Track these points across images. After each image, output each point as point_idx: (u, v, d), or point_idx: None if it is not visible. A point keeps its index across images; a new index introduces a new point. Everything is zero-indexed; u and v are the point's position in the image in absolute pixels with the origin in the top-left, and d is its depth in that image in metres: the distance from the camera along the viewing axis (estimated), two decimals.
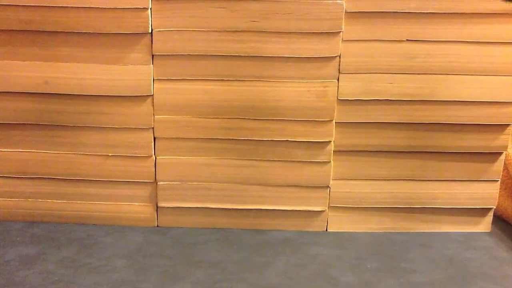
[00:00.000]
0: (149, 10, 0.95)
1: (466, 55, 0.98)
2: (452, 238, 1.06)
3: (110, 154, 1.03)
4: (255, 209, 1.06)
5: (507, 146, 1.04)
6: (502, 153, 1.04)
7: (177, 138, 1.03)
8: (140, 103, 1.01)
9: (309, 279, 0.90)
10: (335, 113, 1.01)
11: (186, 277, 0.89)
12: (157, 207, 1.07)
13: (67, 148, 1.03)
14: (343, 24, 0.96)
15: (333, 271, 0.92)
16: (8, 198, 1.07)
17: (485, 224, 1.09)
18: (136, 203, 1.07)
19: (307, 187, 1.05)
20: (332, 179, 1.05)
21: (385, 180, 1.05)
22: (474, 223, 1.09)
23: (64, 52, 0.98)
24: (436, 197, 1.06)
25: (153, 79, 0.99)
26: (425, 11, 0.95)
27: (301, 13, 0.95)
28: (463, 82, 0.99)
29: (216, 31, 0.96)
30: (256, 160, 1.04)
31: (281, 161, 1.04)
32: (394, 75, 0.99)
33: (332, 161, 1.04)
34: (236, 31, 0.96)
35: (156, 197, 1.06)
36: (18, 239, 1.01)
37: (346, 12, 0.95)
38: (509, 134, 1.03)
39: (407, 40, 0.97)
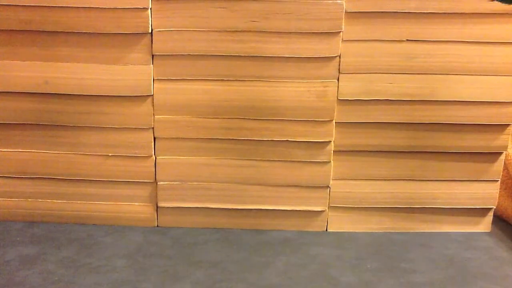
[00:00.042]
0: (149, 10, 0.95)
1: (466, 55, 0.98)
2: (452, 238, 1.06)
3: (110, 154, 1.03)
4: (255, 209, 1.06)
5: (507, 146, 1.04)
6: (502, 153, 1.04)
7: (177, 138, 1.03)
8: (140, 103, 1.01)
9: (309, 279, 0.90)
10: (335, 113, 1.01)
11: (186, 277, 0.89)
12: (157, 207, 1.07)
13: (67, 148, 1.03)
14: (343, 24, 0.96)
15: (333, 271, 0.92)
16: (8, 198, 1.07)
17: (485, 224, 1.09)
18: (136, 203, 1.07)
19: (307, 187, 1.05)
20: (332, 179, 1.05)
21: (385, 180, 1.05)
22: (474, 223, 1.09)
23: (64, 52, 0.98)
24: (436, 197, 1.06)
25: (153, 79, 0.99)
26: (425, 11, 0.95)
27: (301, 13, 0.95)
28: (463, 82, 0.99)
29: (216, 31, 0.96)
30: (256, 160, 1.04)
31: (281, 161, 1.04)
32: (394, 75, 0.99)
33: (332, 161, 1.04)
34: (236, 31, 0.96)
35: (156, 197, 1.06)
36: (18, 239, 1.01)
37: (346, 12, 0.95)
38: (509, 134, 1.03)
39: (407, 40, 0.97)
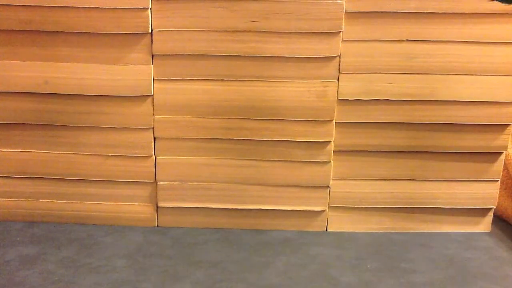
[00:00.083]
0: (149, 10, 0.95)
1: (466, 55, 0.98)
2: (452, 238, 1.06)
3: (110, 154, 1.03)
4: (255, 209, 1.06)
5: (507, 146, 1.04)
6: (502, 153, 1.04)
7: (177, 138, 1.03)
8: (140, 103, 1.01)
9: (309, 279, 0.89)
10: (335, 113, 1.01)
11: (186, 277, 0.89)
12: (157, 207, 1.07)
13: (67, 148, 1.03)
14: (343, 24, 0.96)
15: (333, 271, 0.92)
16: (8, 198, 1.07)
17: (485, 224, 1.09)
18: (136, 203, 1.07)
19: (307, 187, 1.05)
20: (332, 179, 1.05)
21: (385, 180, 1.05)
22: (474, 223, 1.09)
23: (64, 52, 0.98)
24: (436, 197, 1.06)
25: (153, 79, 0.99)
26: (425, 11, 0.95)
27: (301, 13, 0.95)
28: (463, 82, 0.99)
29: (216, 31, 0.96)
30: (256, 160, 1.04)
31: (281, 161, 1.04)
32: (394, 75, 0.99)
33: (332, 161, 1.04)
34: (236, 31, 0.96)
35: (156, 197, 1.06)
36: (18, 239, 1.01)
37: (346, 12, 0.95)
38: (509, 134, 1.03)
39: (407, 40, 0.97)
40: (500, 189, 1.10)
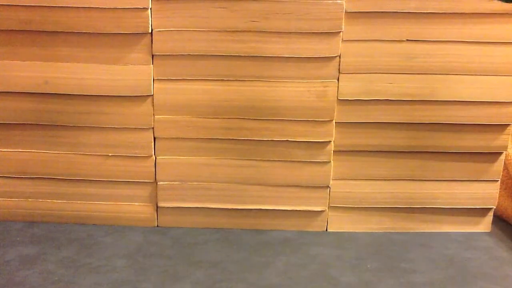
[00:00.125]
0: (149, 10, 0.95)
1: (466, 55, 0.98)
2: (452, 238, 1.06)
3: (110, 154, 1.03)
4: (255, 209, 1.06)
5: (507, 146, 1.04)
6: (502, 153, 1.04)
7: (177, 138, 1.03)
8: (140, 103, 1.01)
9: (309, 279, 0.89)
10: (335, 113, 1.01)
11: (186, 277, 0.89)
12: (157, 207, 1.07)
13: (67, 148, 1.03)
14: (343, 24, 0.96)
15: (333, 271, 0.92)
16: (8, 198, 1.07)
17: (485, 224, 1.09)
18: (136, 203, 1.07)
19: (307, 187, 1.05)
20: (332, 179, 1.05)
21: (385, 180, 1.05)
22: (474, 223, 1.09)
23: (64, 52, 0.98)
24: (436, 197, 1.06)
25: (153, 79, 0.99)
26: (425, 11, 0.95)
27: (301, 13, 0.95)
28: (463, 82, 0.99)
29: (216, 31, 0.96)
30: (256, 160, 1.04)
31: (281, 161, 1.04)
32: (394, 75, 0.99)
33: (332, 161, 1.04)
34: (236, 31, 0.96)
35: (156, 197, 1.06)
36: (18, 239, 1.01)
37: (346, 12, 0.95)
38: (509, 134, 1.03)
39: (407, 40, 0.97)
40: (500, 189, 1.10)
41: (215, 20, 0.96)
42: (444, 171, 1.05)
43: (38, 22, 0.96)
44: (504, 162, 1.06)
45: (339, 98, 1.00)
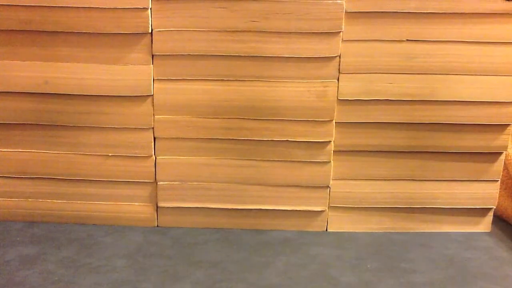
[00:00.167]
0: (149, 10, 0.95)
1: (466, 55, 0.98)
2: (452, 238, 1.06)
3: (110, 154, 1.03)
4: (255, 209, 1.06)
5: (507, 146, 1.04)
6: (502, 153, 1.04)
7: (177, 138, 1.03)
8: (140, 103, 1.01)
9: (309, 279, 0.89)
10: (335, 113, 1.01)
11: (186, 277, 0.89)
12: (157, 207, 1.07)
13: (67, 148, 1.03)
14: (343, 24, 0.96)
15: (333, 271, 0.92)
16: (8, 198, 1.07)
17: (485, 224, 1.09)
18: (136, 203, 1.07)
19: (307, 187, 1.05)
20: (332, 179, 1.05)
21: (385, 180, 1.05)
22: (474, 223, 1.09)
23: (64, 52, 0.98)
24: (436, 197, 1.06)
25: (153, 79, 0.99)
26: (425, 11, 0.95)
27: (301, 13, 0.95)
28: (463, 82, 0.99)
29: (216, 31, 0.96)
30: (256, 160, 1.04)
31: (281, 161, 1.04)
32: (394, 75, 0.99)
33: (332, 161, 1.04)
34: (236, 31, 0.96)
35: (156, 197, 1.06)
36: (18, 239, 1.01)
37: (346, 12, 0.95)
38: (509, 134, 1.03)
39: (407, 40, 0.97)
40: (500, 189, 1.10)
41: (215, 20, 0.96)
42: (444, 171, 1.05)
43: (38, 22, 0.96)
44: (504, 162, 1.06)
45: (339, 98, 1.00)
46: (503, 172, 1.08)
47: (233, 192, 1.05)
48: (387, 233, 1.08)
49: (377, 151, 1.04)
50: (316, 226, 1.08)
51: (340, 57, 0.98)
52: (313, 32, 0.96)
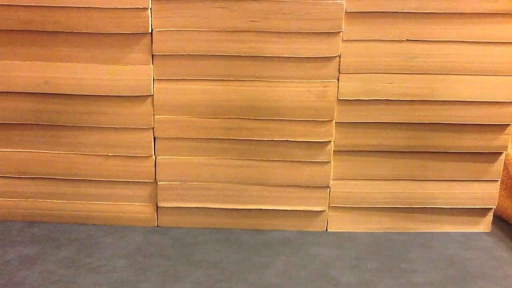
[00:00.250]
0: (149, 10, 0.95)
1: (466, 55, 0.98)
2: (452, 238, 1.06)
3: (110, 154, 1.03)
4: (255, 209, 1.06)
5: (507, 146, 1.04)
6: (502, 153, 1.04)
7: (177, 138, 1.03)
8: (140, 103, 1.01)
9: (309, 279, 0.89)
10: (335, 113, 1.01)
11: (186, 277, 0.89)
12: (157, 207, 1.07)
13: (67, 148, 1.03)
14: (343, 24, 0.96)
15: (333, 271, 0.92)
16: (8, 198, 1.07)
17: (485, 224, 1.09)
18: (136, 203, 1.07)
19: (307, 187, 1.05)
20: (332, 179, 1.05)
21: (385, 180, 1.05)
22: (474, 223, 1.09)
23: (64, 52, 0.98)
24: (436, 197, 1.06)
25: (153, 79, 0.99)
26: (425, 11, 0.95)
27: (301, 13, 0.95)
28: (463, 82, 0.99)
29: (216, 31, 0.96)
30: (256, 160, 1.04)
31: (281, 161, 1.04)
32: (394, 75, 0.99)
33: (332, 161, 1.04)
34: (236, 31, 0.96)
35: (156, 197, 1.06)
36: (18, 239, 1.01)
37: (346, 12, 0.95)
38: (509, 134, 1.03)
39: (407, 40, 0.97)
40: (500, 189, 1.10)
41: (215, 20, 0.96)
42: (444, 171, 1.05)
43: (38, 22, 0.96)
44: (504, 162, 1.06)
45: (339, 98, 1.00)
46: (503, 172, 1.08)
47: (233, 192, 1.05)
48: (387, 233, 1.08)
49: (377, 151, 1.04)
50: (316, 226, 1.08)
51: (340, 57, 0.98)
52: (313, 32, 0.96)
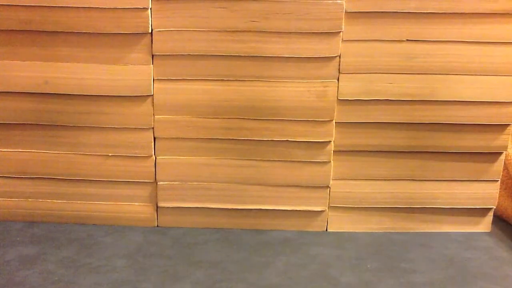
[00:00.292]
0: (149, 10, 0.95)
1: (466, 55, 0.98)
2: (452, 238, 1.06)
3: (110, 154, 1.03)
4: (255, 209, 1.06)
5: (507, 146, 1.04)
6: (502, 153, 1.04)
7: (177, 138, 1.03)
8: (140, 103, 1.01)
9: (309, 279, 0.89)
10: (335, 113, 1.01)
11: (186, 277, 0.89)
12: (157, 207, 1.07)
13: (67, 148, 1.03)
14: (343, 24, 0.96)
15: (333, 271, 0.92)
16: (8, 198, 1.07)
17: (485, 224, 1.09)
18: (136, 203, 1.07)
19: (307, 187, 1.05)
20: (332, 179, 1.05)
21: (385, 180, 1.05)
22: (474, 223, 1.09)
23: (64, 52, 0.98)
24: (436, 197, 1.06)
25: (153, 79, 0.99)
26: (425, 11, 0.95)
27: (301, 13, 0.95)
28: (463, 82, 0.99)
29: (216, 31, 0.96)
30: (256, 160, 1.04)
31: (281, 161, 1.04)
32: (394, 75, 0.99)
33: (332, 161, 1.04)
34: (236, 31, 0.96)
35: (156, 197, 1.06)
36: (18, 239, 1.01)
37: (346, 12, 0.95)
38: (509, 134, 1.03)
39: (407, 40, 0.97)
40: (500, 189, 1.10)
41: (215, 20, 0.96)
42: (444, 171, 1.05)
43: (38, 22, 0.96)
44: (504, 162, 1.06)
45: (339, 98, 1.00)
46: (503, 172, 1.08)
47: (233, 192, 1.05)
48: (387, 233, 1.08)
49: (377, 151, 1.04)
50: (316, 226, 1.08)
51: (340, 57, 0.98)
52: (313, 32, 0.96)
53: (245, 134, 1.02)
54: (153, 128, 1.02)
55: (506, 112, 1.01)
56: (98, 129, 1.02)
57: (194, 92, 1.00)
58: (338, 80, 0.99)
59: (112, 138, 1.03)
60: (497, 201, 1.07)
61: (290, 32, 0.96)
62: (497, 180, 1.06)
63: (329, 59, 0.98)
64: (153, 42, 0.97)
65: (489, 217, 1.09)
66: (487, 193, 1.06)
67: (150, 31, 0.96)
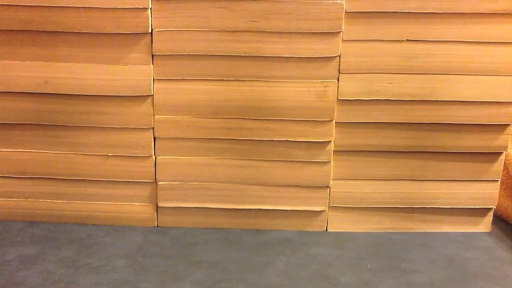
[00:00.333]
0: (149, 10, 0.95)
1: (466, 55, 0.98)
2: (452, 238, 1.06)
3: (110, 154, 1.03)
4: (255, 209, 1.06)
5: (507, 146, 1.04)
6: (502, 153, 1.04)
7: (177, 138, 1.03)
8: (140, 103, 1.01)
9: (309, 279, 0.89)
10: (335, 113, 1.01)
11: (186, 277, 0.89)
12: (157, 207, 1.07)
13: (67, 148, 1.03)
14: (343, 24, 0.96)
15: (333, 271, 0.92)
16: (8, 198, 1.07)
17: (485, 224, 1.09)
18: (136, 203, 1.07)
19: (307, 187, 1.05)
20: (332, 179, 1.05)
21: (385, 180, 1.05)
22: (474, 223, 1.09)
23: (64, 52, 0.98)
24: (436, 197, 1.06)
25: (153, 79, 0.99)
26: (425, 11, 0.95)
27: (301, 13, 0.95)
28: (463, 82, 0.99)
29: (216, 31, 0.96)
30: (256, 160, 1.04)
31: (281, 161, 1.04)
32: (394, 75, 0.99)
33: (332, 161, 1.04)
34: (236, 31, 0.96)
35: (156, 197, 1.06)
36: (18, 239, 1.01)
37: (346, 12, 0.95)
38: (509, 134, 1.03)
39: (407, 40, 0.97)
40: (500, 189, 1.10)
41: (215, 20, 0.96)
42: (444, 171, 1.05)
43: (38, 22, 0.96)
44: (504, 162, 1.06)
45: (339, 98, 1.00)
46: (503, 172, 1.08)
47: (233, 192, 1.05)
48: (387, 233, 1.08)
49: (377, 151, 1.04)
50: (316, 226, 1.08)
51: (340, 57, 0.98)
52: (313, 32, 0.96)
53: (245, 134, 1.02)
54: (153, 128, 1.02)
55: (506, 112, 1.01)
56: (98, 129, 1.02)
57: (194, 92, 1.00)
58: (338, 80, 0.99)
59: (112, 138, 1.03)
60: (497, 201, 1.07)
61: (290, 32, 0.96)
62: (497, 180, 1.06)
63: (329, 59, 0.98)
64: (153, 42, 0.97)
65: (489, 217, 1.09)
66: (487, 193, 1.06)
67: (150, 31, 0.96)
